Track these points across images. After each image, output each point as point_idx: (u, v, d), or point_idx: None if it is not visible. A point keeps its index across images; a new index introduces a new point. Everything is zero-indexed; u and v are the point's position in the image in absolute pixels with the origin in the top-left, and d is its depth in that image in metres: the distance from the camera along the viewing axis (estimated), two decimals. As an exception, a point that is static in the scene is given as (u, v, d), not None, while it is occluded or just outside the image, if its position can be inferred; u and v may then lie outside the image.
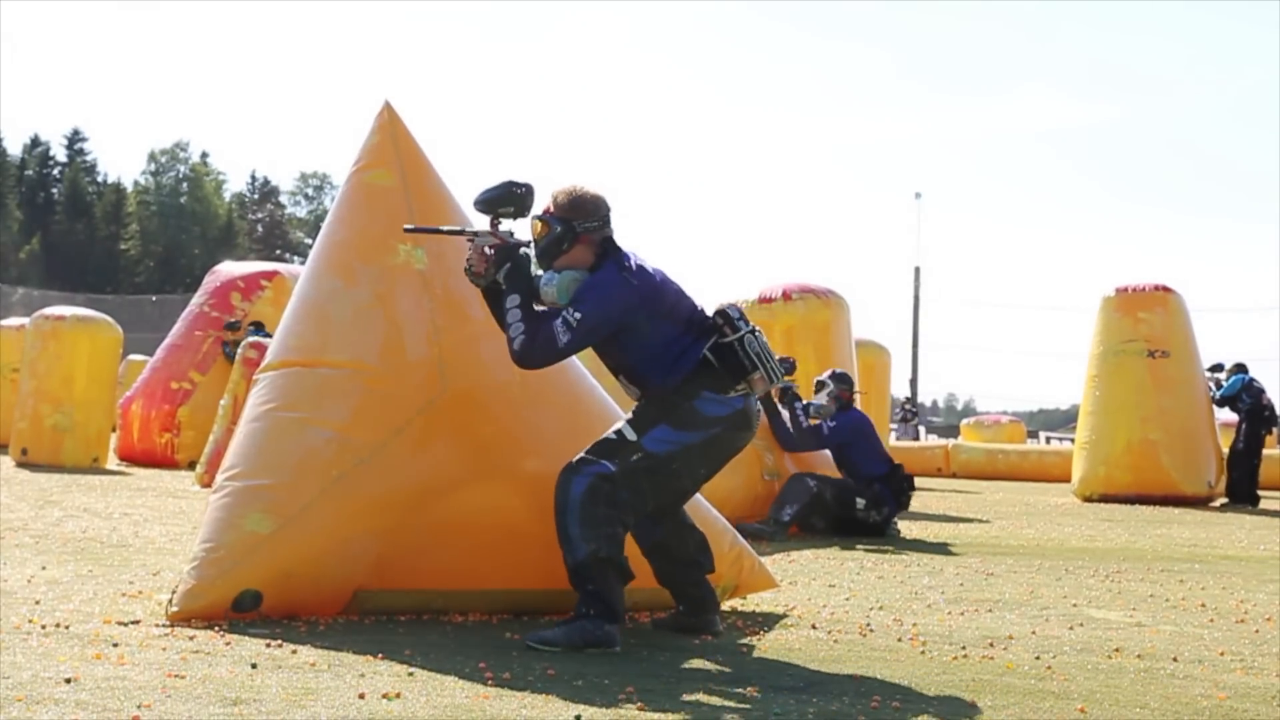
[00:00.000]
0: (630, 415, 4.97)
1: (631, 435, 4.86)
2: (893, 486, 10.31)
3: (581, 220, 4.89)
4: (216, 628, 4.71)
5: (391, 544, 5.11)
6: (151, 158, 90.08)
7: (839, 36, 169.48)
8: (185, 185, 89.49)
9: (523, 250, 4.88)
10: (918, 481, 20.19)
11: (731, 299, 5.25)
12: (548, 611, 5.25)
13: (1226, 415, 17.69)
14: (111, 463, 16.57)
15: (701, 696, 3.98)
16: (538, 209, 4.91)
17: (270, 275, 18.08)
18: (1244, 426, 16.78)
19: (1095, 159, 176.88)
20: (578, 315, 4.75)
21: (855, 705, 3.92)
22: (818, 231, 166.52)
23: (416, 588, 5.21)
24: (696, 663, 4.57)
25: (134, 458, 17.00)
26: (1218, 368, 17.33)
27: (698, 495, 5.50)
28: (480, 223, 5.16)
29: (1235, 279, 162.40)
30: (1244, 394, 16.90)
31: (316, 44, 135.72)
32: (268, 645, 4.43)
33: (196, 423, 16.37)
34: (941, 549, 9.29)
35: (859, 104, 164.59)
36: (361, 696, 3.72)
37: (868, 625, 5.54)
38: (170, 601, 4.90)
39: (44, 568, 6.24)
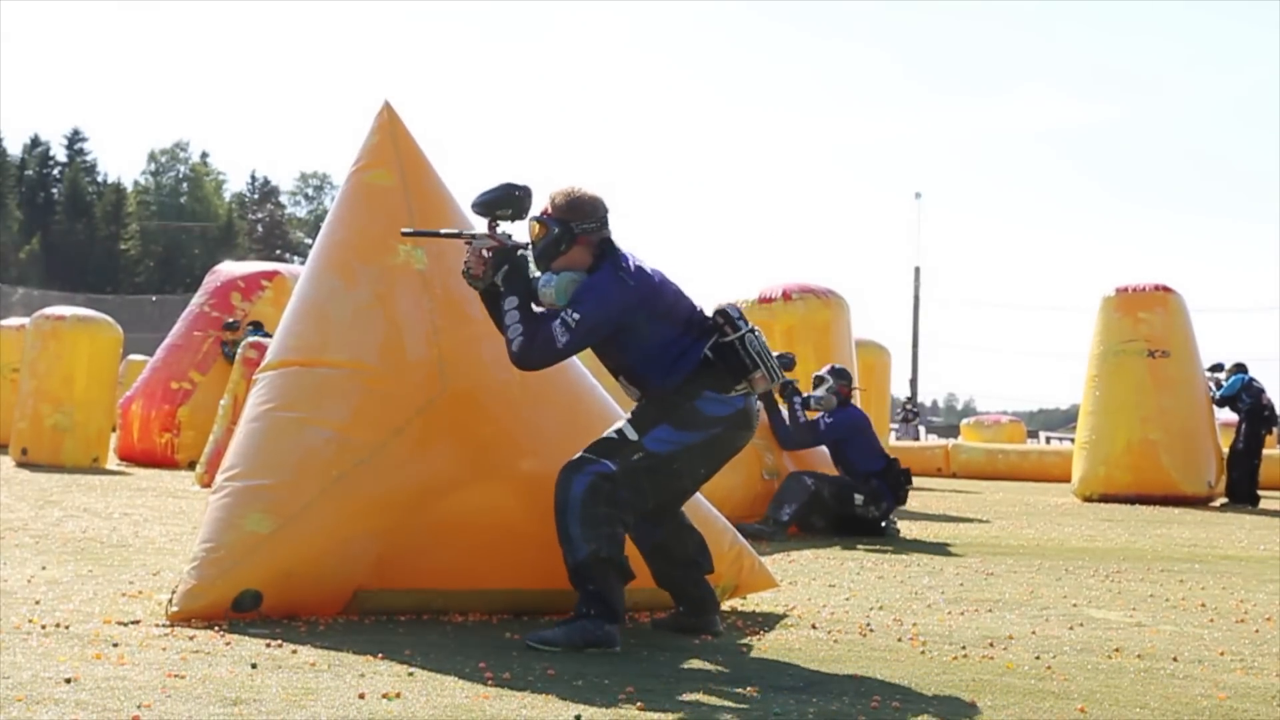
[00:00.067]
0: (631, 415, 4.97)
1: (633, 435, 4.86)
2: (890, 481, 10.35)
3: (579, 221, 4.89)
4: (216, 628, 4.71)
5: (391, 544, 5.11)
6: (151, 158, 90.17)
7: (839, 36, 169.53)
8: (185, 185, 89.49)
9: (521, 252, 4.88)
10: (918, 482, 20.29)
11: (731, 299, 5.25)
12: (548, 611, 5.25)
13: (1226, 415, 17.69)
14: (111, 463, 16.57)
15: (701, 696, 3.98)
16: (535, 210, 4.91)
17: (270, 275, 18.09)
18: (1244, 426, 16.78)
19: (1095, 159, 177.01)
20: (576, 316, 4.75)
21: (855, 705, 3.92)
22: (818, 231, 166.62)
23: (416, 588, 5.21)
24: (696, 663, 4.57)
25: (134, 458, 17.01)
26: (1218, 368, 17.33)
27: (697, 494, 5.50)
28: (478, 225, 5.17)
29: (1235, 279, 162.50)
30: (1244, 394, 16.91)
31: (316, 44, 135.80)
32: (268, 645, 4.43)
33: (196, 423, 16.37)
34: (941, 549, 9.30)
35: (859, 104, 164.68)
36: (361, 696, 3.72)
37: (868, 625, 5.54)
38: (170, 601, 4.90)
39: (44, 568, 6.24)
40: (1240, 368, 17.16)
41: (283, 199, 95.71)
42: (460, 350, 5.28)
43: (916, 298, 52.67)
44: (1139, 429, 16.34)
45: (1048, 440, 45.03)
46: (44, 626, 4.62)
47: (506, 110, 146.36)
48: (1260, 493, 16.89)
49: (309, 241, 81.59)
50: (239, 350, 14.16)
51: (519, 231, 4.93)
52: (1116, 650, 5.10)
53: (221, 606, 4.84)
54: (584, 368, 5.67)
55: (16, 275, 67.38)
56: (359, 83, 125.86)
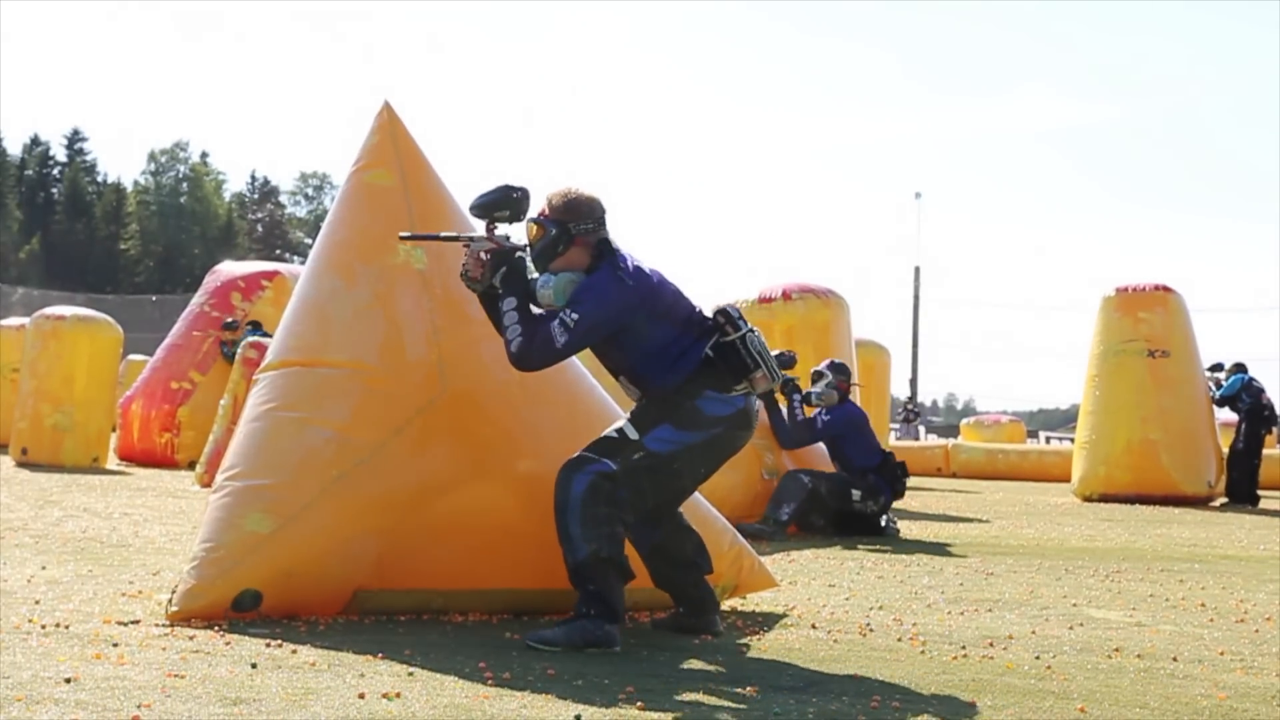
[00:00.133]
0: (631, 414, 4.97)
1: (633, 434, 4.85)
2: (886, 476, 10.37)
3: (577, 222, 4.89)
4: (216, 628, 4.71)
5: (391, 544, 5.11)
6: (151, 158, 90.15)
7: (839, 36, 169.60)
8: (185, 185, 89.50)
9: (519, 254, 4.89)
10: (918, 481, 20.30)
11: (731, 299, 5.25)
12: (548, 611, 5.25)
13: (1226, 415, 17.69)
14: (111, 463, 16.57)
15: (701, 696, 3.98)
16: (533, 212, 4.91)
17: (271, 275, 18.08)
18: (1244, 426, 16.79)
19: (1095, 159, 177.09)
20: (575, 316, 4.75)
21: (855, 705, 3.92)
22: (818, 231, 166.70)
23: (416, 588, 5.21)
24: (696, 663, 4.57)
25: (134, 458, 17.00)
26: (1218, 368, 17.33)
27: (697, 494, 5.50)
28: (477, 226, 5.17)
29: (1235, 279, 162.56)
30: (1244, 394, 16.91)
31: (316, 44, 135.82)
32: (268, 645, 4.43)
33: (196, 423, 16.37)
34: (941, 549, 9.29)
35: (859, 104, 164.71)
36: (361, 696, 3.72)
37: (868, 625, 5.54)
38: (170, 601, 4.90)
39: (44, 568, 6.24)
40: (1240, 368, 17.16)
41: (283, 199, 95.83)
42: (460, 350, 5.28)
43: (916, 298, 52.70)
44: (1139, 429, 16.34)
45: (1048, 440, 45.04)
46: (44, 626, 4.62)
47: (506, 110, 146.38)
48: (1260, 493, 16.89)
49: (309, 241, 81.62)
50: (239, 350, 14.15)
51: (517, 233, 4.93)
52: (1116, 650, 5.10)
53: (221, 606, 4.84)
54: (584, 368, 5.67)
55: (16, 275, 67.37)
56: (359, 83, 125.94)
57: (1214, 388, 17.09)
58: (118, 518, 9.16)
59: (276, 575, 4.92)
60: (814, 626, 5.47)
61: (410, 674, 4.08)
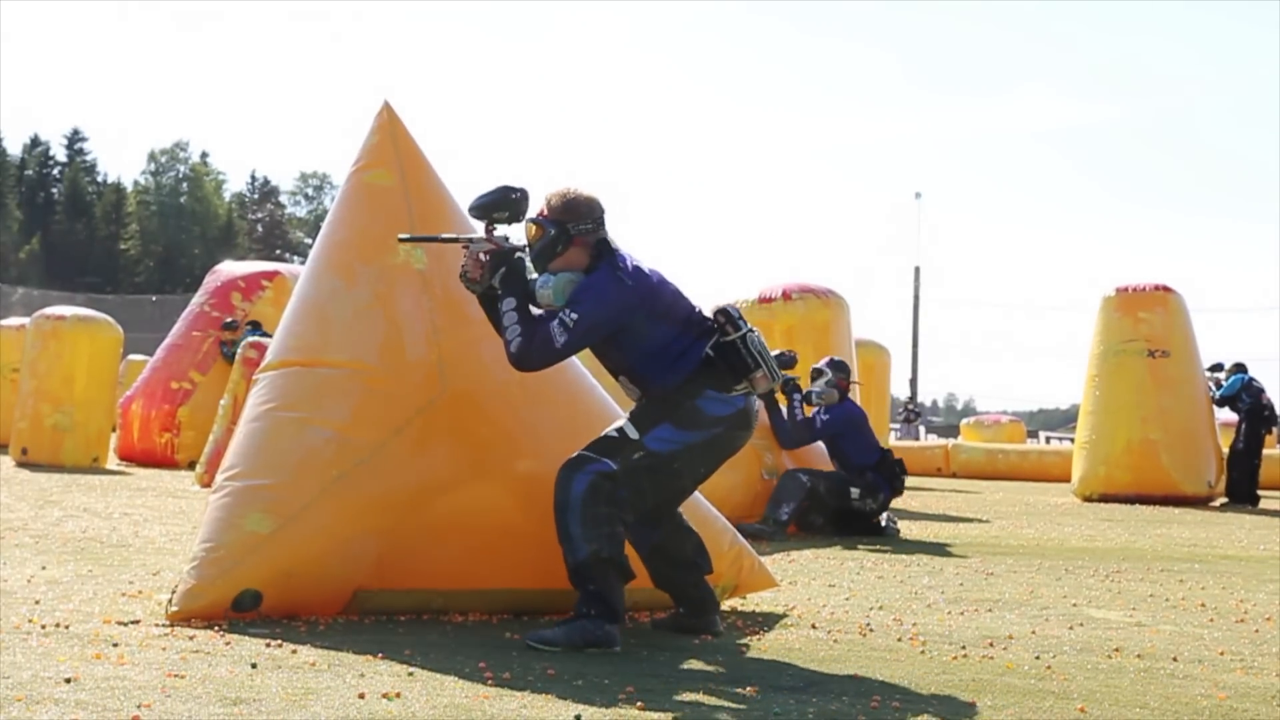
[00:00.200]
0: (631, 414, 4.97)
1: (633, 433, 4.85)
2: (884, 473, 10.38)
3: (575, 222, 4.88)
4: (216, 628, 4.71)
5: (391, 544, 5.11)
6: (151, 158, 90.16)
7: (839, 36, 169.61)
8: (185, 185, 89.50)
9: (518, 254, 4.88)
10: (918, 481, 20.29)
11: (731, 299, 5.25)
12: (548, 611, 5.25)
13: (1226, 415, 17.69)
14: (111, 463, 16.57)
15: (701, 696, 3.98)
16: (532, 212, 4.91)
17: (271, 275, 18.08)
18: (1244, 426, 16.79)
19: (1095, 159, 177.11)
20: (574, 316, 4.75)
21: (855, 705, 3.92)
22: (818, 231, 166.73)
23: (416, 588, 5.21)
24: (696, 663, 4.57)
25: (134, 458, 17.00)
26: (1218, 368, 17.33)
27: (697, 494, 5.50)
28: (476, 228, 5.17)
29: (1235, 279, 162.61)
30: (1244, 394, 16.91)
31: (316, 44, 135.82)
32: (268, 645, 4.43)
33: (196, 423, 16.37)
34: (941, 549, 9.29)
35: (859, 104, 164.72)
36: (361, 696, 3.72)
37: (868, 625, 5.54)
38: (170, 601, 4.90)
39: (44, 568, 6.24)
40: (1240, 368, 17.17)
41: (283, 199, 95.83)
42: (460, 350, 5.28)
43: (916, 298, 52.69)
44: (1139, 429, 16.34)
45: (1048, 440, 45.03)
46: (44, 626, 4.62)
47: (506, 110, 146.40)
48: (1260, 493, 16.90)
49: (309, 241, 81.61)
50: (239, 350, 14.15)
51: (516, 234, 4.93)
52: (1116, 650, 5.10)
53: (221, 606, 4.84)
54: (584, 368, 5.67)
55: (16, 275, 67.37)
56: (359, 83, 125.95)
57: (1214, 388, 17.09)
58: (118, 518, 9.16)
59: (276, 575, 4.92)
60: (814, 626, 5.47)
61: (410, 674, 4.08)
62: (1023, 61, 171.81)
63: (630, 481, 4.79)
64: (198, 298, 18.15)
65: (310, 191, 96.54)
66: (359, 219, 5.50)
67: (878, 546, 9.34)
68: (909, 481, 19.35)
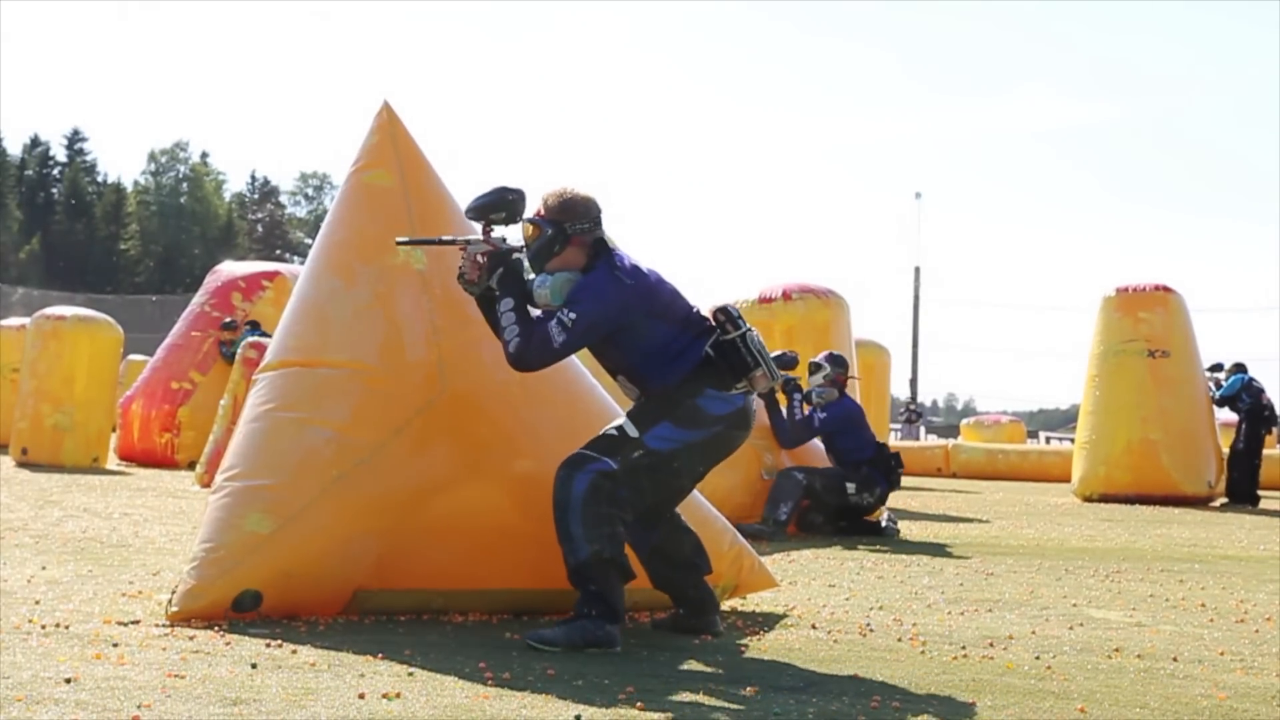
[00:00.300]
0: (631, 412, 4.96)
1: (633, 432, 4.85)
2: (881, 467, 10.39)
3: (572, 222, 4.88)
4: (216, 628, 4.71)
5: (391, 544, 5.11)
6: (151, 158, 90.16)
7: (839, 36, 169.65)
8: (185, 185, 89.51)
9: (515, 255, 4.88)
10: (918, 482, 20.29)
11: (731, 299, 5.25)
12: (548, 611, 5.25)
13: (1226, 415, 17.69)
14: (111, 463, 16.57)
15: (701, 696, 3.98)
16: (529, 212, 4.91)
17: (271, 275, 18.07)
18: (1244, 426, 16.79)
19: (1095, 159, 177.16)
20: (572, 315, 4.74)
21: (855, 705, 3.92)
22: (818, 231, 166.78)
23: (416, 588, 5.21)
24: (696, 663, 4.57)
25: (134, 458, 17.00)
26: (1217, 368, 17.33)
27: (697, 494, 5.50)
28: (474, 229, 5.17)
29: (1235, 279, 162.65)
30: (1244, 394, 16.91)
31: (316, 44, 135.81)
32: (268, 645, 4.43)
33: (196, 423, 16.36)
34: (941, 549, 9.29)
35: (859, 104, 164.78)
36: (361, 696, 3.72)
37: (868, 625, 5.54)
38: (170, 601, 4.90)
39: (44, 568, 6.24)
40: (1240, 368, 17.16)
41: (283, 199, 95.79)
42: (460, 351, 5.28)
43: (916, 298, 52.71)
44: (1139, 429, 16.34)
45: (1048, 440, 45.02)
46: (44, 626, 4.62)
47: (506, 110, 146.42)
48: (1260, 493, 16.90)
49: (309, 241, 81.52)
50: (239, 350, 14.15)
51: (513, 235, 4.93)
52: (1116, 650, 5.10)
53: (221, 606, 4.84)
54: (583, 368, 5.67)
55: (16, 275, 67.36)
56: (359, 83, 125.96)
57: (1214, 388, 17.09)
58: (118, 518, 9.16)
59: (276, 575, 4.92)
60: (814, 626, 5.47)
61: (410, 674, 4.08)
62: (1023, 61, 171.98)
63: (630, 480, 4.79)
64: (198, 298, 18.14)
65: (310, 191, 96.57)
66: (358, 219, 5.50)
67: (878, 546, 9.34)
68: (909, 482, 19.43)
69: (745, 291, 13.77)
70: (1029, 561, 8.58)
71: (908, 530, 10.71)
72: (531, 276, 4.90)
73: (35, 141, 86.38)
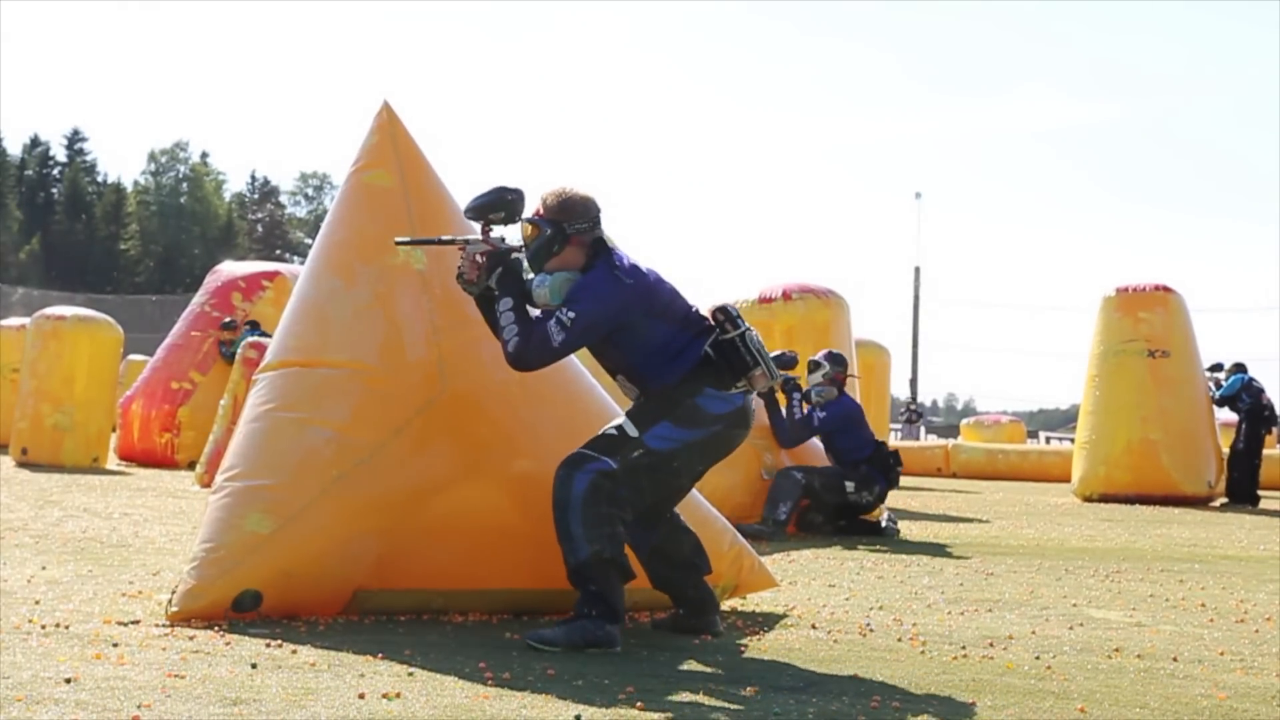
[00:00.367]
0: (630, 411, 4.96)
1: (633, 431, 4.84)
2: (879, 465, 10.39)
3: (571, 222, 4.88)
4: (216, 628, 4.71)
5: (391, 544, 5.11)
6: (151, 158, 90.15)
7: (839, 36, 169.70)
8: (185, 185, 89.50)
9: (514, 255, 4.88)
10: (918, 482, 20.28)
11: (731, 299, 5.25)
12: (548, 611, 5.25)
13: (1226, 415, 17.69)
14: (111, 463, 16.56)
15: (701, 696, 3.98)
16: (527, 212, 4.91)
17: (271, 275, 18.06)
18: (1244, 426, 16.79)
19: (1095, 159, 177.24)
20: (571, 315, 4.74)
21: (855, 705, 3.92)
22: (818, 231, 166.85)
23: (416, 588, 5.21)
24: (696, 663, 4.57)
25: (134, 458, 17.00)
26: (1217, 368, 17.33)
27: (697, 494, 5.50)
28: (473, 229, 5.17)
29: (1235, 279, 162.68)
30: (1244, 394, 16.91)
31: (316, 44, 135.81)
32: (268, 645, 4.43)
33: (196, 423, 16.36)
34: (941, 549, 9.29)
35: (859, 104, 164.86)
36: (361, 696, 3.72)
37: (868, 625, 5.54)
38: (170, 601, 4.90)
39: (44, 568, 6.24)
40: (1240, 368, 17.16)
41: (283, 199, 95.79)
42: (460, 350, 5.28)
43: (916, 298, 52.70)
44: (1139, 429, 16.34)
45: (1048, 440, 45.01)
46: (44, 626, 4.62)
47: (506, 110, 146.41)
48: (1260, 493, 16.89)
49: (309, 241, 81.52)
50: (238, 350, 14.14)
51: (512, 235, 4.93)
52: (1116, 650, 5.10)
53: (221, 606, 4.84)
54: (583, 368, 5.67)
55: (16, 275, 67.37)
56: (359, 83, 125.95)
57: (1214, 388, 17.08)
58: (118, 518, 9.16)
59: (276, 575, 4.92)
60: (814, 626, 5.47)
61: (410, 674, 4.08)
62: (1023, 61, 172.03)
63: (630, 480, 4.78)
64: (198, 298, 18.14)
65: (310, 191, 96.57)
66: (358, 219, 5.50)
67: (878, 546, 9.34)
68: (909, 482, 19.43)
69: (745, 291, 13.77)
70: (1029, 561, 8.58)
71: (908, 530, 10.71)
72: (530, 276, 4.90)
73: (35, 141, 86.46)
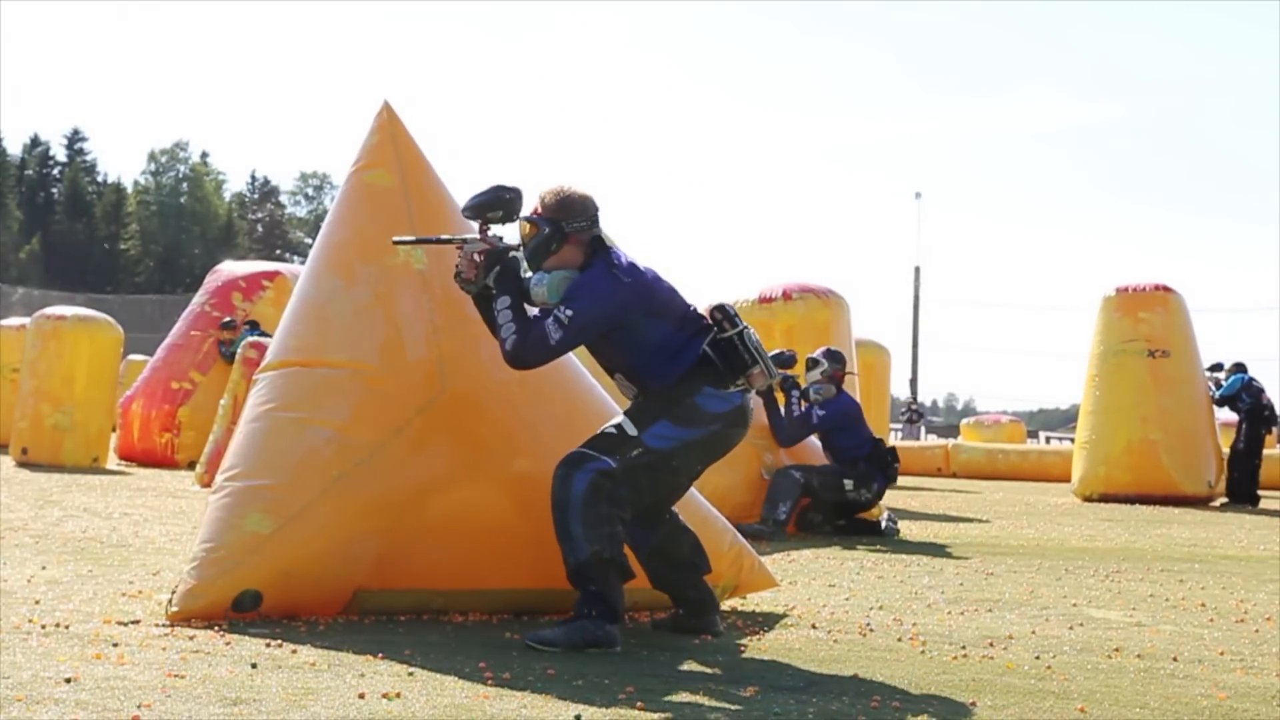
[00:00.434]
0: (629, 410, 4.96)
1: (632, 430, 4.84)
2: (877, 462, 10.40)
3: (569, 220, 4.88)
4: (216, 628, 4.71)
5: (391, 544, 5.11)
6: (151, 158, 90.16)
7: (839, 36, 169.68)
8: (185, 185, 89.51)
9: (512, 254, 4.88)
10: (918, 481, 20.28)
11: (731, 299, 5.25)
12: (548, 611, 5.25)
13: (1226, 415, 17.69)
14: (111, 463, 16.56)
15: (701, 696, 3.98)
16: (525, 211, 4.90)
17: (272, 275, 18.06)
18: (1244, 426, 16.79)
19: (1095, 159, 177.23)
20: (569, 313, 4.74)
21: (855, 705, 3.92)
22: (818, 231, 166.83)
23: (416, 588, 5.21)
24: (696, 663, 4.57)
25: (134, 458, 17.00)
26: (1217, 367, 17.33)
27: (697, 494, 5.50)
28: (472, 229, 5.17)
29: (1235, 279, 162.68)
30: (1244, 394, 16.91)
31: (316, 44, 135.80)
32: (268, 645, 4.43)
33: (196, 423, 16.35)
34: (941, 549, 9.29)
35: (859, 104, 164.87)
36: (361, 696, 3.72)
37: (868, 625, 5.54)
38: (170, 601, 4.90)
39: (44, 568, 6.24)
40: (1240, 368, 17.16)
41: (283, 199, 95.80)
42: (460, 350, 5.28)
43: (916, 298, 52.71)
44: (1139, 429, 16.34)
45: (1048, 440, 45.01)
46: (44, 626, 4.62)
47: (506, 110, 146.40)
48: (1260, 493, 16.89)
49: (309, 241, 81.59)
50: (238, 350, 14.14)
51: (510, 234, 4.93)
52: (1116, 650, 5.10)
53: (221, 606, 4.84)
54: (583, 367, 5.67)
55: (16, 275, 67.38)
56: (359, 83, 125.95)
57: (1214, 388, 17.09)
58: (118, 518, 9.16)
59: (276, 575, 4.92)
60: (814, 626, 5.47)
61: (410, 674, 4.08)
62: (1023, 61, 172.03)
63: (629, 479, 4.78)
64: (198, 298, 18.13)
65: (310, 191, 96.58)
66: (359, 219, 5.50)
67: (878, 546, 9.34)
68: (909, 482, 19.44)
69: (745, 291, 13.78)
70: (1029, 561, 8.57)
71: (908, 530, 10.71)
72: (528, 275, 4.90)
73: (35, 141, 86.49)
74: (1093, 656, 4.95)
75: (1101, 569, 8.21)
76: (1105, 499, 16.22)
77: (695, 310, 4.99)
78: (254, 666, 4.07)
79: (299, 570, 4.96)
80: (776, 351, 10.20)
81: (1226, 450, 16.94)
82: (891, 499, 13.90)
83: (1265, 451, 17.30)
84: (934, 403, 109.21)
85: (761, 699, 3.96)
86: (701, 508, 5.61)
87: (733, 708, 3.84)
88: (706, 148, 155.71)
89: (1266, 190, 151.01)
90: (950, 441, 27.84)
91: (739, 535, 5.84)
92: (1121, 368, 16.64)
